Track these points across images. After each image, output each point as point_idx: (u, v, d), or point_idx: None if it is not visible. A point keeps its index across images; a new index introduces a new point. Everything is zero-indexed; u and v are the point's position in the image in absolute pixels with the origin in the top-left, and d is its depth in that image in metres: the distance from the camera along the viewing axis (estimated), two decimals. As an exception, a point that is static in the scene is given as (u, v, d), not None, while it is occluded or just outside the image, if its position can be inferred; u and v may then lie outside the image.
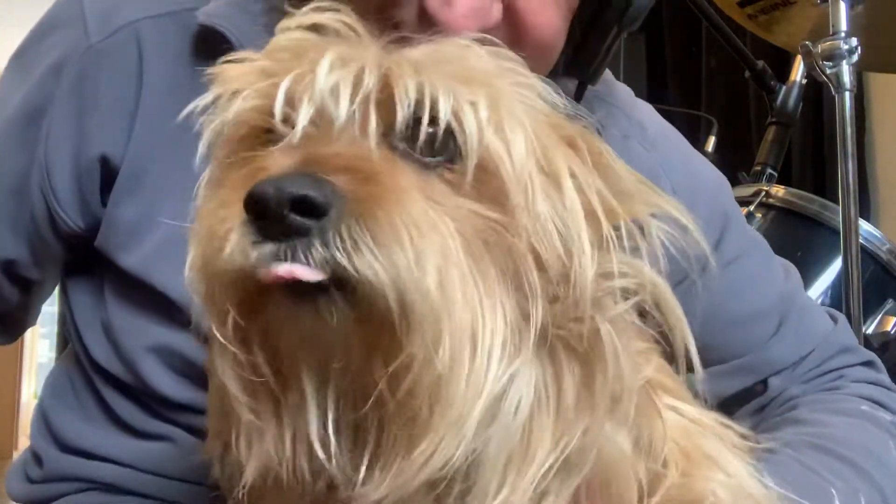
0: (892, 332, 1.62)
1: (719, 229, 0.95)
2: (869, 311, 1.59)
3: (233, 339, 0.53)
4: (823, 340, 0.96)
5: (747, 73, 2.00)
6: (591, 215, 0.55)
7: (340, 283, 0.49)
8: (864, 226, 1.64)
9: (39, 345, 6.74)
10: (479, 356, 0.50)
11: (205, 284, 0.53)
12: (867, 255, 1.64)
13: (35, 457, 0.95)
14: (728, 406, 0.97)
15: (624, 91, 1.02)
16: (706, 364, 0.92)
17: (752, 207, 1.69)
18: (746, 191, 1.77)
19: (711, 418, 0.73)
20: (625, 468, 0.60)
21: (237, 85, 0.56)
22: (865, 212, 2.50)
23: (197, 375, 0.74)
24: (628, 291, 0.57)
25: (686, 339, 0.60)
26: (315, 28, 0.58)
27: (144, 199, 0.85)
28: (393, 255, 0.48)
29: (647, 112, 1.01)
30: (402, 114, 0.53)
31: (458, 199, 0.52)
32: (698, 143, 2.09)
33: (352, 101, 0.52)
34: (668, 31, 3.17)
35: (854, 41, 1.52)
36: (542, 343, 0.53)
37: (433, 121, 0.52)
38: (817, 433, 0.86)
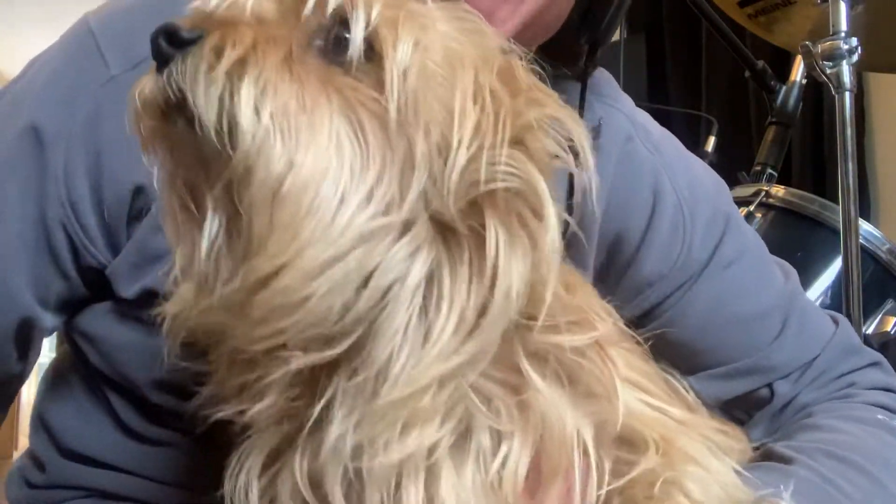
0: (892, 332, 1.62)
1: (720, 231, 0.95)
2: (869, 311, 1.59)
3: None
4: (828, 343, 0.95)
5: (747, 73, 2.00)
6: (483, 111, 0.59)
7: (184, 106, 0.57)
8: (864, 226, 1.64)
9: (39, 345, 6.74)
10: (327, 198, 0.55)
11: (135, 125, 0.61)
12: (867, 255, 1.64)
13: (36, 462, 0.95)
14: (738, 416, 0.97)
15: (628, 99, 1.03)
16: (709, 365, 0.93)
17: (752, 207, 1.69)
18: (746, 191, 1.76)
19: (702, 421, 0.74)
20: (558, 432, 0.62)
21: None
22: (865, 212, 2.50)
23: (191, 391, 0.74)
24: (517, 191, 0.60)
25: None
26: None
27: None
28: (219, 88, 0.56)
29: (648, 118, 1.03)
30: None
31: (346, 78, 0.58)
32: (698, 143, 2.08)
33: None
34: (668, 31, 3.17)
35: (854, 41, 1.51)
36: (432, 226, 0.58)
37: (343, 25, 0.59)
38: (833, 440, 0.85)
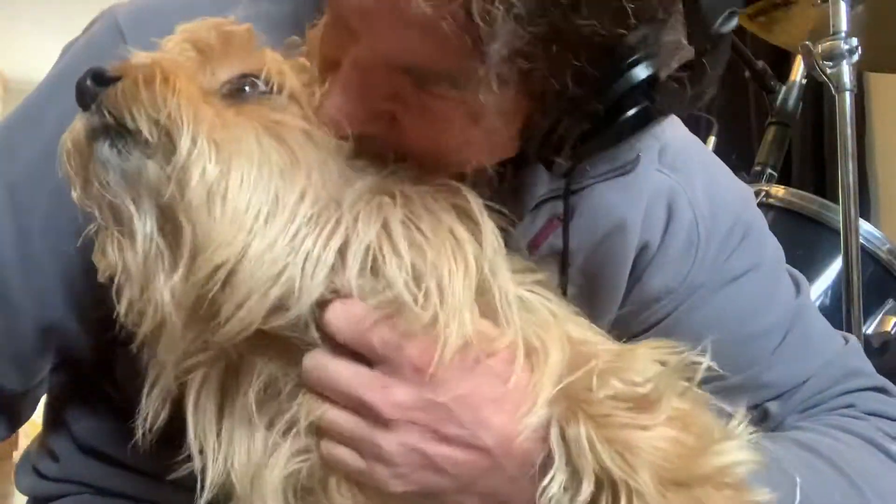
0: (893, 332, 1.62)
1: (736, 243, 0.90)
2: (869, 311, 1.59)
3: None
4: (827, 363, 0.90)
5: (747, 73, 2.00)
6: None
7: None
8: (864, 226, 1.63)
9: (39, 345, 6.72)
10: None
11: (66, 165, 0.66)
12: (867, 255, 1.64)
13: (51, 454, 0.94)
14: None
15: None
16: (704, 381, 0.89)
17: (752, 207, 1.69)
18: (746, 191, 1.76)
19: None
20: None
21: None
22: (865, 212, 2.50)
23: None
24: None
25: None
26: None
27: None
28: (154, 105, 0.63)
29: (674, 131, 0.94)
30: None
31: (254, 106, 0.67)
32: (698, 144, 2.08)
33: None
34: (668, 31, 3.16)
35: (854, 41, 1.52)
36: None
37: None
38: (811, 439, 0.82)
